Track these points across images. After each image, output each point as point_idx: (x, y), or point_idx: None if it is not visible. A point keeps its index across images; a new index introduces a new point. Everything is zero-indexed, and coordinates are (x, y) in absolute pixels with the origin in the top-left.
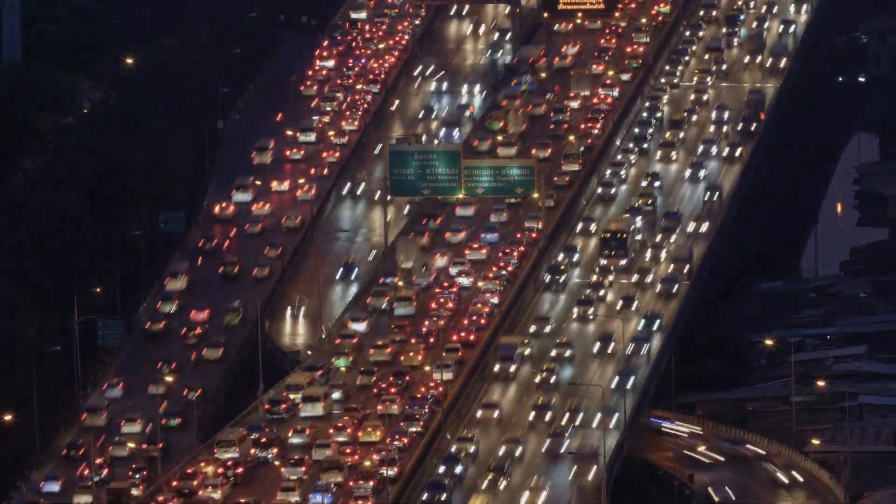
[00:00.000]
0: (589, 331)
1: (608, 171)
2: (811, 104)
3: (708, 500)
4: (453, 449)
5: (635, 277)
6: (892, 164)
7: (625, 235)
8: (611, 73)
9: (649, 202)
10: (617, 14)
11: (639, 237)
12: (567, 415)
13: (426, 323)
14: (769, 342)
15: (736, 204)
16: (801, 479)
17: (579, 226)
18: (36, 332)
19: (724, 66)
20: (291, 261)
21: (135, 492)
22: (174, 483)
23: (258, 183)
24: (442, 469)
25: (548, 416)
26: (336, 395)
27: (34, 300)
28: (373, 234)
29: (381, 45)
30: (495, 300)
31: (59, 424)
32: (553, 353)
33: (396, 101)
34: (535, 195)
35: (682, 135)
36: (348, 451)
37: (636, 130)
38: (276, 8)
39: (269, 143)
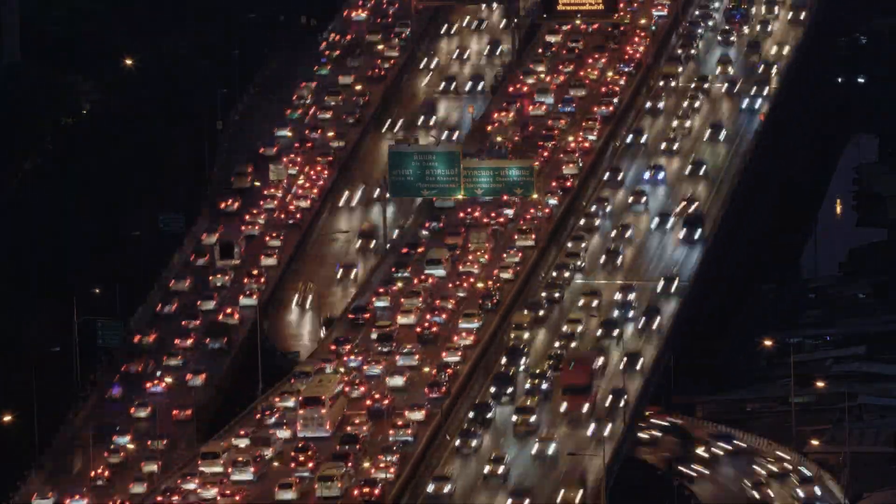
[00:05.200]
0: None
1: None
2: (810, 104)
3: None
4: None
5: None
6: (891, 164)
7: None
8: (609, 74)
9: (642, 199)
10: (616, 16)
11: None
12: None
13: None
14: (768, 343)
15: (735, 204)
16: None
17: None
18: (36, 332)
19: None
20: (290, 262)
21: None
22: None
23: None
24: None
25: None
26: None
27: (34, 300)
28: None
29: (381, 46)
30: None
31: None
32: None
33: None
34: (535, 195)
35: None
36: None
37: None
38: (276, 9)
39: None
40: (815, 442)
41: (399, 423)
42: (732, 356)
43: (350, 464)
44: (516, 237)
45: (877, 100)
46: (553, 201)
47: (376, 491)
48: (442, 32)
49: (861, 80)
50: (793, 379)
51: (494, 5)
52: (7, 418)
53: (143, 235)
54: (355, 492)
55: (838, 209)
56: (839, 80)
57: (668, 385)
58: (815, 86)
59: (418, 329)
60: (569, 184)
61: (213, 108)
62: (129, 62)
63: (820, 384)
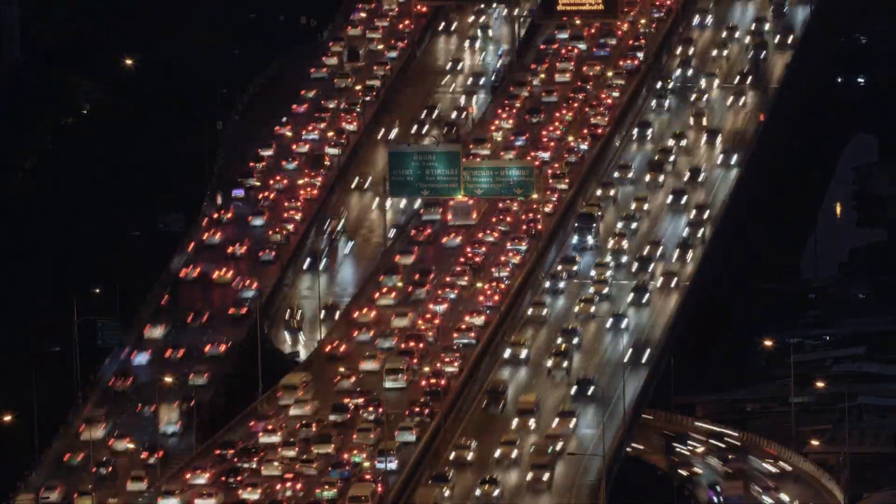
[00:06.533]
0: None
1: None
2: (810, 105)
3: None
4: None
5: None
6: (891, 164)
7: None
8: (609, 73)
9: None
10: (616, 15)
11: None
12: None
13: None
14: (768, 343)
15: (735, 205)
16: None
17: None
18: (36, 332)
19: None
20: (289, 264)
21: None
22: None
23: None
24: None
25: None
26: None
27: (33, 301)
28: None
29: (381, 47)
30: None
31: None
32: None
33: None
34: (535, 196)
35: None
36: None
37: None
38: (276, 9)
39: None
40: (815, 442)
41: (462, 326)
42: (732, 356)
43: (415, 360)
44: (551, 181)
45: (877, 100)
46: (584, 146)
47: (442, 382)
48: (441, 32)
49: (861, 80)
50: (793, 379)
51: (494, 5)
52: (7, 418)
53: (143, 235)
54: (422, 382)
55: (838, 209)
56: (839, 80)
57: (669, 385)
58: (815, 86)
59: (462, 259)
60: (599, 132)
61: (213, 108)
62: (129, 62)
63: (820, 384)
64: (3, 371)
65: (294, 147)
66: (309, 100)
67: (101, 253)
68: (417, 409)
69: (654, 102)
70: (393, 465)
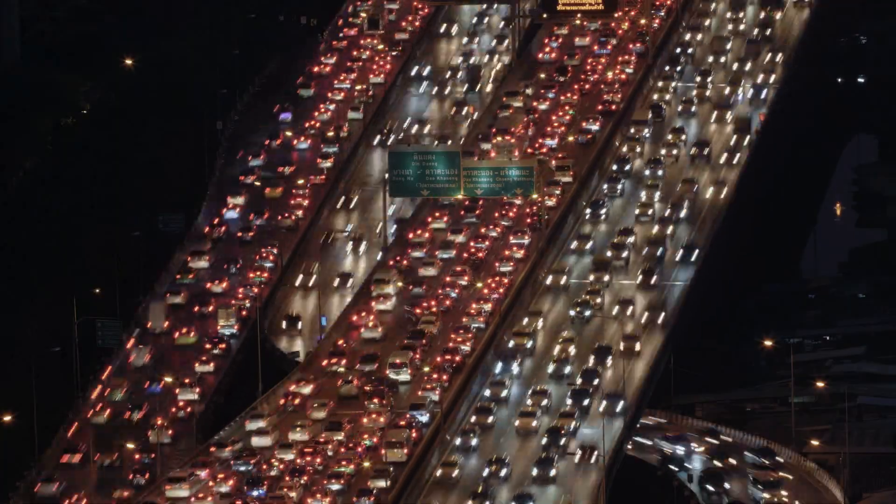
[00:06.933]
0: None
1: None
2: (810, 105)
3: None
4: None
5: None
6: (891, 164)
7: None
8: (610, 73)
9: (648, 211)
10: (617, 14)
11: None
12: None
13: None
14: (768, 343)
15: (735, 205)
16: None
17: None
18: (36, 332)
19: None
20: (290, 263)
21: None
22: None
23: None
24: None
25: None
26: None
27: (34, 301)
28: None
29: (381, 46)
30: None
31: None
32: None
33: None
34: (535, 195)
35: (682, 137)
36: None
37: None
38: (276, 9)
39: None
40: (815, 442)
41: (472, 311)
42: (732, 356)
43: (417, 355)
44: (556, 174)
45: (877, 100)
46: (595, 126)
47: (457, 359)
48: (441, 32)
49: (861, 80)
50: (793, 379)
51: (495, 5)
52: (7, 418)
53: (143, 235)
54: (437, 359)
55: (838, 209)
56: (839, 80)
57: (669, 385)
58: (815, 86)
59: (465, 255)
60: (613, 108)
61: (213, 108)
62: (129, 62)
63: (820, 384)
64: (3, 371)
65: (330, 93)
66: (337, 51)
67: (101, 253)
68: (435, 376)
69: (605, 186)
70: (425, 418)
